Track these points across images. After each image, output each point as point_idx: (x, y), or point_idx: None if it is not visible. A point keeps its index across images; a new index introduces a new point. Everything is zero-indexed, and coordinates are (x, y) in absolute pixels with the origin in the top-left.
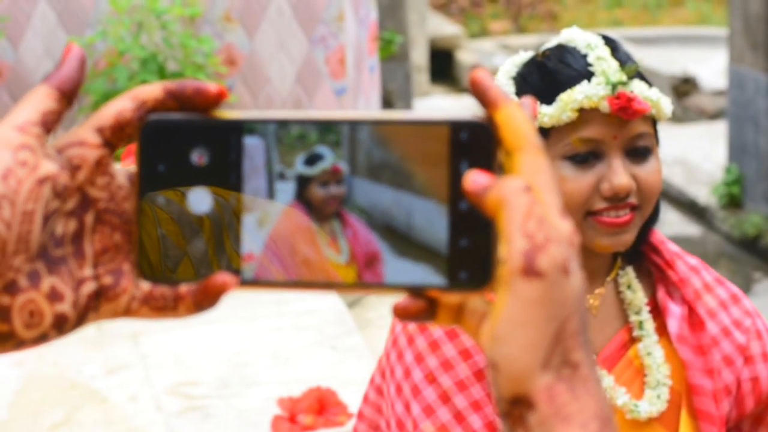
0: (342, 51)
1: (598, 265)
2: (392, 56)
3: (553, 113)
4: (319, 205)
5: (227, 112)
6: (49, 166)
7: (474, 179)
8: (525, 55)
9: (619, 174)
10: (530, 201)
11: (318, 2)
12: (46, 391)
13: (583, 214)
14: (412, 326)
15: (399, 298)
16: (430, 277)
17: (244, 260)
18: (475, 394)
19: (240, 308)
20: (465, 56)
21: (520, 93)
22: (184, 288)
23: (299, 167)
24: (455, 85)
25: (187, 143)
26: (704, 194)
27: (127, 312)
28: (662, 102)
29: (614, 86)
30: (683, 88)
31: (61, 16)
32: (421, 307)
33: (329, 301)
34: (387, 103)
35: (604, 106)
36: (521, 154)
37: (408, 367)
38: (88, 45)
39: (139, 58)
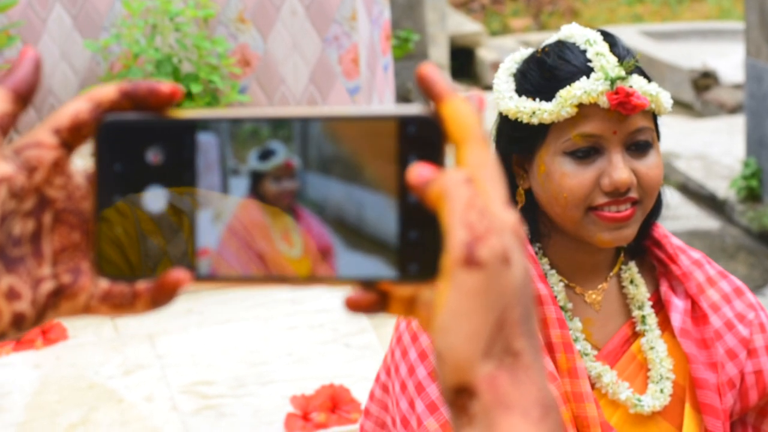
0: (355, 50)
1: (600, 260)
2: (411, 55)
3: (552, 109)
4: (272, 200)
5: (182, 111)
6: (5, 168)
7: (417, 172)
8: (525, 52)
9: (619, 169)
10: (471, 193)
11: (331, 2)
12: (64, 392)
13: (584, 209)
14: (415, 324)
15: (351, 291)
16: (382, 269)
17: (199, 256)
18: None
19: (255, 308)
20: (486, 54)
21: (519, 89)
22: (141, 285)
23: (252, 163)
24: (477, 83)
25: (142, 142)
26: (723, 188)
27: (87, 309)
28: (661, 96)
29: (613, 81)
30: (703, 82)
31: (76, 19)
32: (372, 300)
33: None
34: (406, 101)
35: (603, 102)
36: (466, 146)
37: (412, 365)
38: (103, 48)
39: (153, 60)
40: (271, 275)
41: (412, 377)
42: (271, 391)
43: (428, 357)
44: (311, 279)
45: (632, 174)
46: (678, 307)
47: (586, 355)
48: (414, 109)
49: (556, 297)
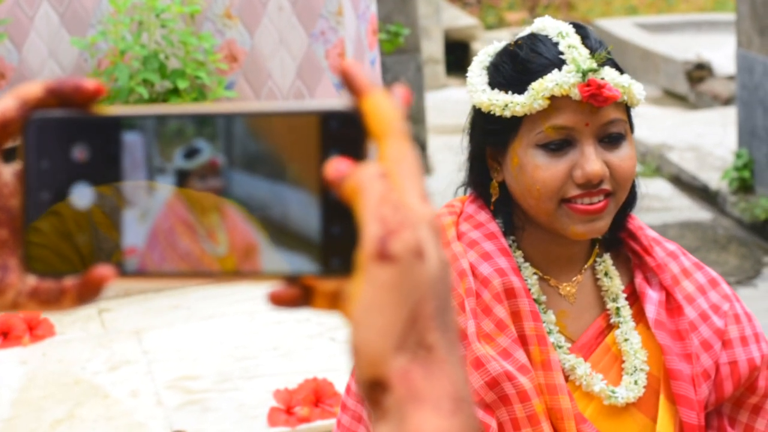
0: (342, 45)
1: (575, 252)
2: (403, 49)
3: (524, 102)
4: (198, 198)
5: (108, 108)
6: None
7: (334, 167)
8: (498, 45)
9: (591, 161)
10: (385, 187)
11: None
12: (50, 388)
13: (557, 201)
14: None
15: (274, 286)
16: (305, 264)
17: (126, 253)
18: None
19: (242, 302)
20: (481, 48)
21: (492, 83)
22: (68, 282)
23: (178, 161)
24: None
25: (68, 140)
26: (716, 179)
27: (14, 306)
28: (634, 88)
29: (585, 74)
30: (697, 73)
31: (64, 17)
32: (295, 294)
33: None
34: None
35: (575, 94)
36: (385, 141)
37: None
38: (90, 45)
39: (140, 57)
40: (196, 271)
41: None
42: (256, 386)
43: None
44: (236, 275)
45: (605, 166)
46: (652, 298)
47: (560, 347)
48: (336, 103)
49: (529, 289)
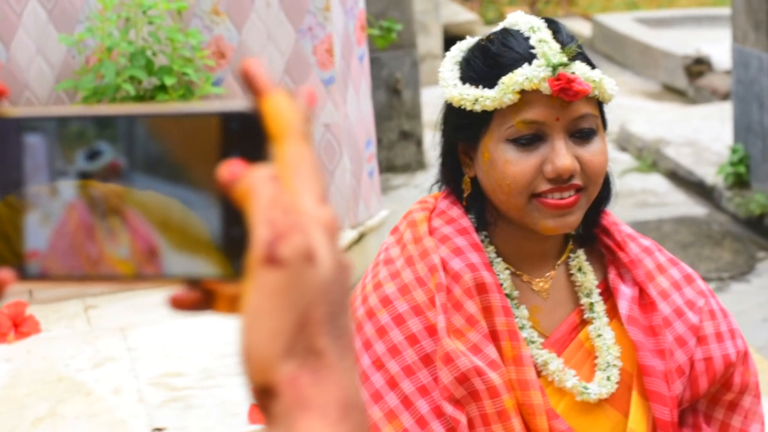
0: (329, 41)
1: (548, 248)
2: (398, 44)
3: (495, 96)
4: (100, 201)
5: (8, 110)
6: None
7: (227, 170)
8: (471, 40)
9: (561, 155)
10: (276, 190)
11: None
12: (33, 386)
13: (528, 196)
14: (361, 312)
15: (175, 289)
16: (207, 268)
17: (28, 257)
18: (422, 379)
19: None
20: None
21: (464, 77)
22: None
23: (80, 163)
24: None
25: None
26: (712, 174)
27: None
28: (605, 83)
29: (555, 68)
30: (696, 68)
31: (52, 13)
32: (196, 298)
33: None
34: (394, 91)
35: (545, 88)
36: (284, 142)
37: (357, 354)
38: (77, 42)
39: (127, 54)
40: (99, 274)
41: (357, 366)
42: (239, 383)
43: (372, 346)
44: (138, 277)
45: (575, 161)
46: (625, 294)
47: (532, 342)
48: (237, 105)
49: (501, 285)
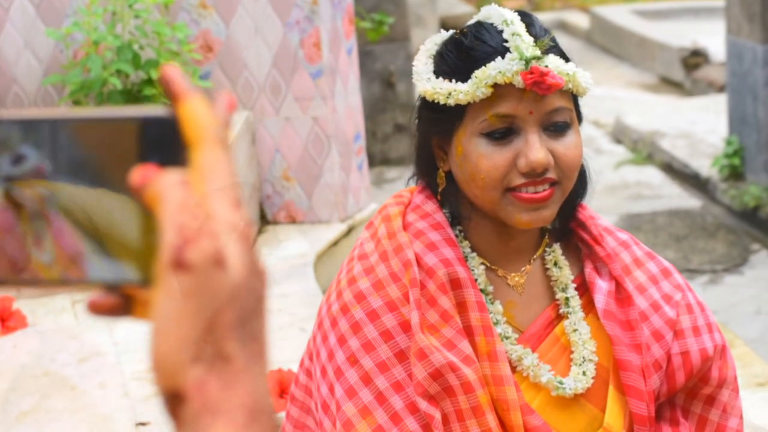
0: (317, 34)
1: (523, 242)
2: (392, 37)
3: (468, 90)
4: (25, 205)
5: None
6: None
7: (138, 174)
8: (445, 34)
9: (535, 149)
10: (185, 194)
11: None
12: (18, 380)
13: (502, 190)
14: (335, 308)
15: (95, 293)
16: (127, 273)
17: None
18: (396, 375)
19: None
20: None
21: (438, 71)
22: None
23: (5, 168)
24: None
25: None
26: (707, 167)
27: None
28: (579, 76)
29: (528, 61)
30: (693, 60)
31: (39, 8)
32: (114, 303)
33: (303, 284)
34: (388, 84)
35: (519, 82)
36: (200, 147)
37: (332, 349)
38: (65, 36)
39: (113, 48)
40: (22, 278)
41: (332, 362)
42: None
43: (347, 342)
44: (62, 282)
45: (549, 154)
46: (602, 288)
47: (507, 338)
48: (156, 110)
49: (476, 280)
